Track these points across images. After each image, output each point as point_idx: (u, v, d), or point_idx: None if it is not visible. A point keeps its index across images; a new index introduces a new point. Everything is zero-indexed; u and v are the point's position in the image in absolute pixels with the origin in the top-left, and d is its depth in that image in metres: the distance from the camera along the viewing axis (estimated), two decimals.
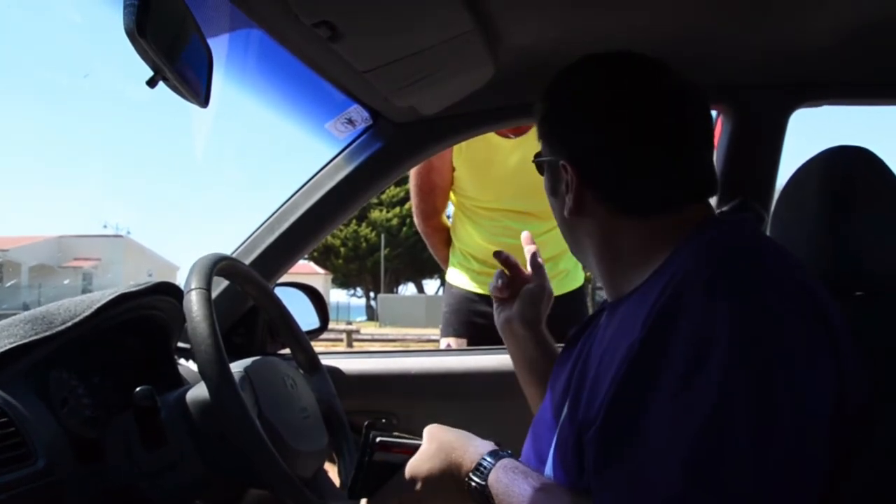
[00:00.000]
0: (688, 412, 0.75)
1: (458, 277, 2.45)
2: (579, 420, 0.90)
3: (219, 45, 1.18)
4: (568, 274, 2.38)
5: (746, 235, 0.92)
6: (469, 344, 2.35)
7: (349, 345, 15.06)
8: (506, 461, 0.95)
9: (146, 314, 1.29)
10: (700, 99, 1.00)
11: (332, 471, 1.26)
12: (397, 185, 35.70)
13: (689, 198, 0.97)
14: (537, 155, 1.08)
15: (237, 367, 1.12)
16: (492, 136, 2.18)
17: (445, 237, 2.55)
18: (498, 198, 2.31)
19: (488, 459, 0.95)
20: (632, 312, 0.90)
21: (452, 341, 2.39)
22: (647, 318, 0.83)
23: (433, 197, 2.43)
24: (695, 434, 0.74)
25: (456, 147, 2.23)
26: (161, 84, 0.90)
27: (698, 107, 0.99)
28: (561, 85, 1.04)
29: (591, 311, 2.01)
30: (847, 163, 1.03)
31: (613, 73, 1.00)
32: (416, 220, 2.54)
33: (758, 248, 0.88)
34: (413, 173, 2.39)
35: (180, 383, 1.34)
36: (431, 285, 43.06)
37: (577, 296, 2.45)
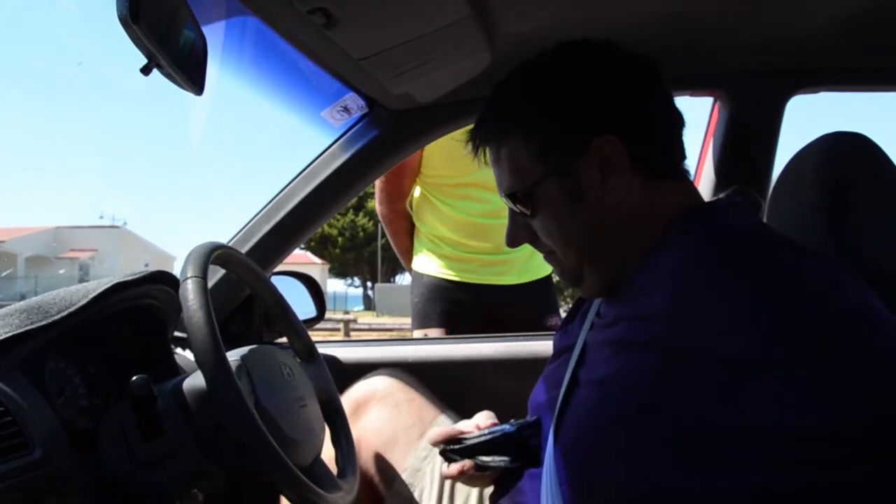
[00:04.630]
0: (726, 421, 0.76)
1: (429, 265, 2.38)
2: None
3: (213, 33, 1.17)
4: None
5: (745, 224, 0.92)
6: (447, 333, 2.31)
7: (346, 334, 15.05)
8: None
9: (142, 303, 1.28)
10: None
11: (329, 460, 1.26)
12: None
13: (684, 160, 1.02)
14: (522, 186, 1.00)
15: (233, 355, 1.11)
16: None
17: (409, 225, 2.48)
18: (471, 170, 2.24)
19: None
20: (630, 308, 0.90)
21: (432, 332, 2.32)
22: (648, 322, 0.83)
23: (400, 178, 2.36)
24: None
25: None
26: (156, 72, 0.90)
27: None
28: (552, 69, 1.01)
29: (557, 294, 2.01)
30: (844, 149, 1.03)
31: (598, 53, 1.01)
32: (379, 206, 2.47)
33: (758, 238, 0.88)
34: None
35: (177, 372, 1.34)
36: None
37: (549, 280, 2.42)
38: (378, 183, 2.40)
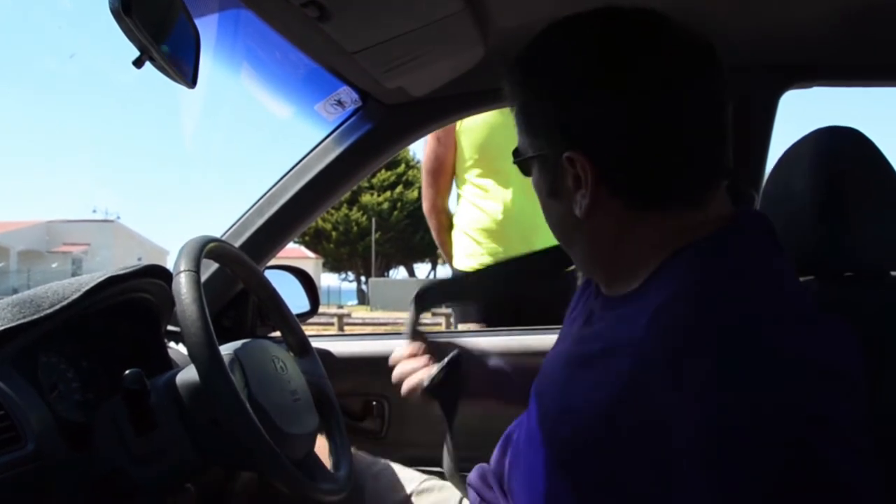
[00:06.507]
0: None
1: (467, 262, 2.48)
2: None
3: (207, 26, 1.17)
4: None
5: (748, 278, 0.79)
6: (487, 327, 2.38)
7: (340, 328, 15.01)
8: None
9: (135, 297, 1.28)
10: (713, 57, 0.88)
11: (322, 453, 1.26)
12: (388, 168, 35.62)
13: (713, 187, 0.86)
14: (518, 153, 0.91)
15: (227, 349, 1.11)
16: None
17: (446, 221, 2.60)
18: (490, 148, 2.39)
19: None
20: (621, 329, 0.82)
21: (473, 326, 2.41)
22: (610, 357, 0.78)
23: (437, 177, 2.51)
24: None
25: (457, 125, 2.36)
26: (149, 66, 0.90)
27: (715, 68, 0.89)
28: (543, 61, 0.88)
29: None
30: (837, 144, 1.03)
31: (606, 32, 0.86)
32: (423, 202, 2.61)
33: (758, 297, 0.75)
34: (424, 156, 2.51)
35: (170, 367, 1.34)
36: (422, 269, 43.04)
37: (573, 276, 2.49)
38: (424, 178, 2.57)
